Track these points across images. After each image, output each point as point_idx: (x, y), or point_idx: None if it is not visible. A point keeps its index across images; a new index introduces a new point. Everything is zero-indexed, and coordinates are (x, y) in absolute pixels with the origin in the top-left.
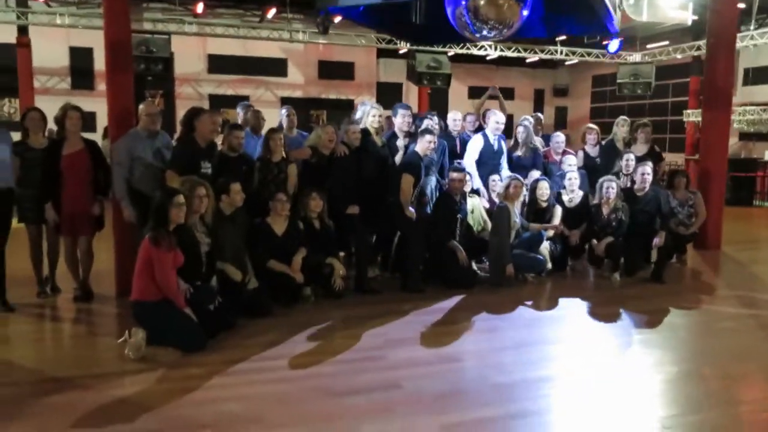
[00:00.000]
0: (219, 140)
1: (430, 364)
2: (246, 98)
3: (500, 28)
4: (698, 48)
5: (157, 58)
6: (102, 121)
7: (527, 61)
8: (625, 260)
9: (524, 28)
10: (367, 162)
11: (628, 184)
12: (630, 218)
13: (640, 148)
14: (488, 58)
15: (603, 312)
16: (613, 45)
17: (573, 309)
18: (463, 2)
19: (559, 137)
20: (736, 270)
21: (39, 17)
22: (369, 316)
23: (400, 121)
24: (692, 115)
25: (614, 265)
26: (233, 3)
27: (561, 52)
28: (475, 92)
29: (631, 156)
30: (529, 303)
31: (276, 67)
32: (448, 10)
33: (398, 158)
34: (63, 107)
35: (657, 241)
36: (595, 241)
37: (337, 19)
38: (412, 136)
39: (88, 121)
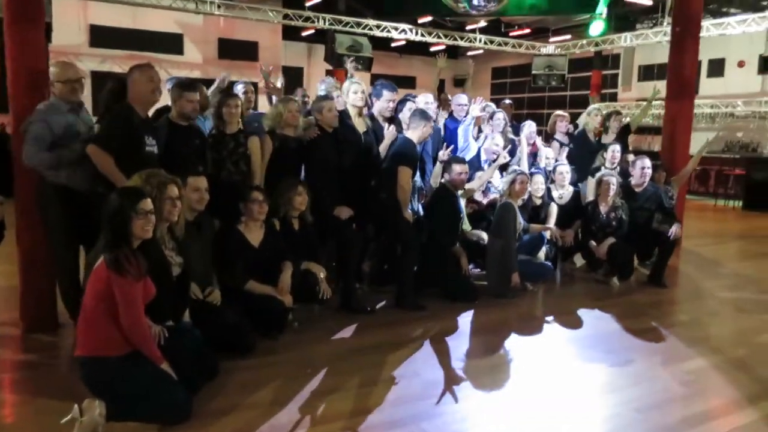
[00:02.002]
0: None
1: (517, 425)
2: None
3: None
4: (611, 42)
5: None
6: None
7: (431, 49)
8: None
9: (509, 7)
10: (345, 152)
11: None
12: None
13: (612, 137)
14: (393, 45)
15: (637, 327)
16: (596, 27)
17: (603, 324)
18: None
19: (531, 126)
20: (718, 269)
21: None
22: (378, 348)
23: (384, 105)
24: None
25: (613, 268)
26: None
27: (479, 40)
28: (378, 80)
29: (617, 148)
30: (550, 319)
31: (170, 43)
32: None
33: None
34: None
35: (675, 230)
36: (594, 243)
37: None
38: (392, 121)
39: None
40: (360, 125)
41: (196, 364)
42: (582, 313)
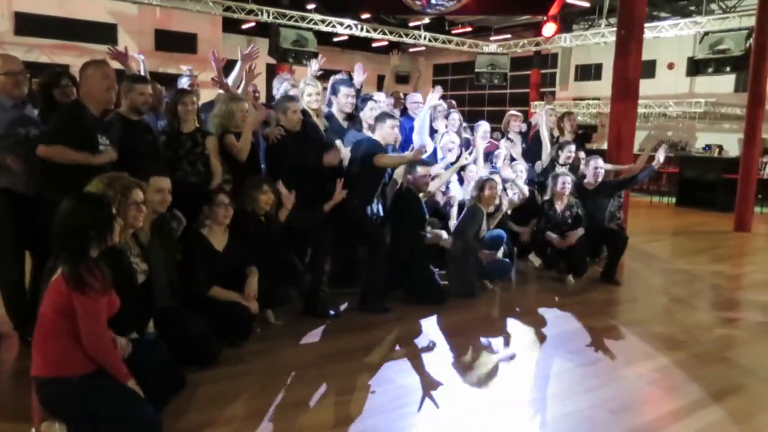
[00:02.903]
0: None
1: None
2: (66, 67)
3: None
4: (551, 41)
5: None
6: None
7: (373, 45)
8: (573, 259)
9: (465, 6)
10: (310, 151)
11: None
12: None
13: (568, 137)
14: (335, 39)
15: (597, 326)
16: (549, 29)
17: (565, 324)
18: None
19: (486, 126)
20: (662, 265)
21: None
22: (347, 353)
23: (343, 101)
24: (539, 107)
25: (569, 266)
26: None
27: (424, 37)
28: (319, 75)
29: (572, 148)
30: (513, 319)
31: (103, 32)
32: None
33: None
34: None
35: (663, 150)
36: (553, 235)
37: None
38: (352, 119)
39: None
40: (319, 125)
41: (163, 377)
42: (543, 312)
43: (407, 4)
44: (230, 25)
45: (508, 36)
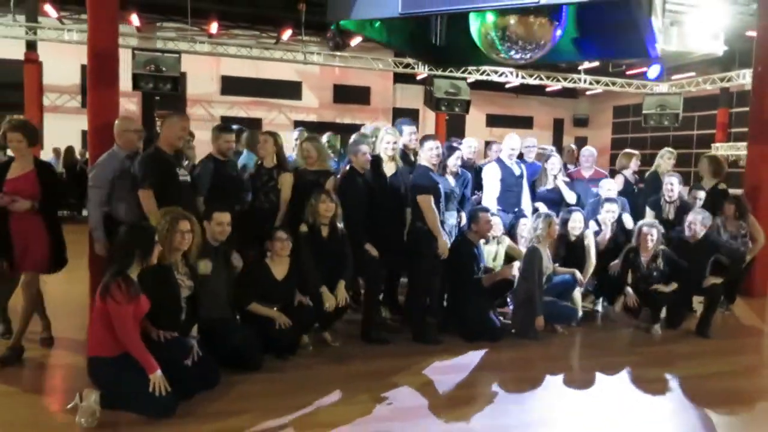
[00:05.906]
0: None
1: None
2: (258, 121)
3: (530, 49)
4: (728, 79)
5: (166, 77)
6: None
7: (547, 90)
8: (668, 310)
9: (555, 52)
10: (379, 192)
11: (671, 213)
12: (674, 264)
13: (710, 184)
14: (508, 86)
15: (649, 376)
16: (653, 71)
17: (612, 371)
18: (490, 20)
19: (588, 149)
20: None
21: (48, 33)
22: (376, 375)
23: (407, 138)
24: (721, 149)
25: (655, 315)
26: (248, 24)
27: (585, 81)
28: (493, 120)
29: (674, 180)
30: (560, 363)
31: (290, 89)
32: (473, 29)
33: None
34: (8, 121)
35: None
36: (630, 291)
37: (355, 41)
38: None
39: None
40: (390, 168)
41: (193, 371)
42: (599, 359)
43: (493, 59)
44: (405, 76)
45: (692, 74)
